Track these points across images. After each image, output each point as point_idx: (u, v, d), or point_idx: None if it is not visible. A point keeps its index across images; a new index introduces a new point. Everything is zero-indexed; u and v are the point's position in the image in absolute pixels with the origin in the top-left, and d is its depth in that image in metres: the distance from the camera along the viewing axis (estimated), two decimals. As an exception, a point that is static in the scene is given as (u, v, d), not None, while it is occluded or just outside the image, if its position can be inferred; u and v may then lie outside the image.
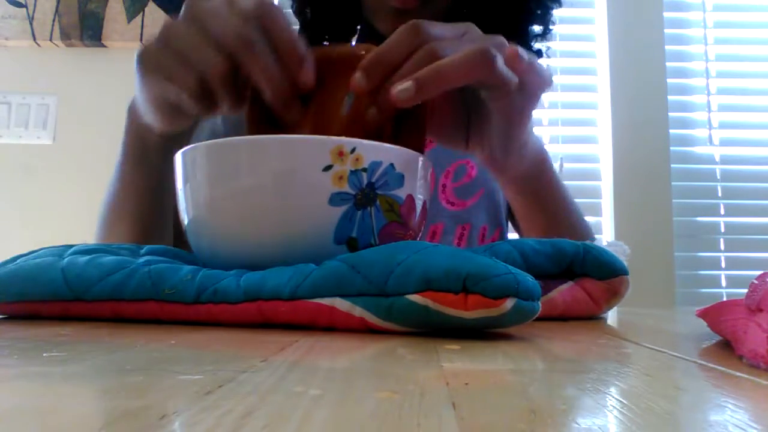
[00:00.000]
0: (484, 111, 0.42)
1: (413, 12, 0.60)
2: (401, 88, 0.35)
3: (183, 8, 0.39)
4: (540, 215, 0.55)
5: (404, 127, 0.40)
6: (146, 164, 0.51)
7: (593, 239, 0.58)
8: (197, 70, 0.38)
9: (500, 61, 0.37)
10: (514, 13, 0.70)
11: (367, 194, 0.33)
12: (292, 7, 0.76)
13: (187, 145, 0.40)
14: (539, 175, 0.51)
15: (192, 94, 0.38)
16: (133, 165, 0.51)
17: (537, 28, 0.73)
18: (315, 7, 0.74)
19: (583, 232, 0.59)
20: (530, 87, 0.40)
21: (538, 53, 0.75)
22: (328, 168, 0.32)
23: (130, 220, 0.53)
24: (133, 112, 0.49)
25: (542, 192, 0.53)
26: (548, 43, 0.76)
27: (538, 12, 0.72)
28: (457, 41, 0.38)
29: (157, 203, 0.52)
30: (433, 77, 0.36)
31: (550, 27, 0.74)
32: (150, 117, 0.45)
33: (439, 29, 0.38)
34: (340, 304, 0.28)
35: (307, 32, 0.75)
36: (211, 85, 0.38)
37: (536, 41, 0.74)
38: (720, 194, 1.42)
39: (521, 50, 0.38)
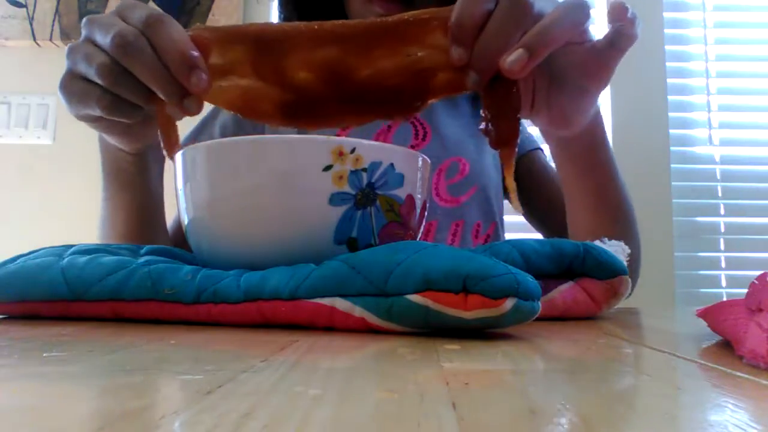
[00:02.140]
0: (557, 70, 0.42)
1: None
2: (513, 58, 0.35)
3: (82, 29, 0.40)
4: (591, 179, 0.54)
5: (497, 98, 0.38)
6: (126, 182, 0.52)
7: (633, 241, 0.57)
8: (95, 81, 0.38)
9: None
10: None
11: (367, 194, 0.33)
12: (280, 15, 0.77)
13: (159, 157, 0.38)
14: (595, 128, 0.50)
15: (103, 104, 0.39)
16: (114, 186, 0.53)
17: None
18: (301, 14, 0.74)
19: (629, 215, 0.58)
20: (622, 42, 0.40)
21: None
22: (328, 168, 0.32)
23: (121, 238, 0.54)
24: (101, 137, 0.50)
25: (596, 148, 0.52)
26: None
27: None
28: None
29: (145, 217, 0.54)
30: (543, 41, 0.35)
31: None
32: (110, 139, 0.46)
33: None
34: (340, 304, 0.28)
35: None
36: (112, 90, 0.38)
37: None
38: (720, 194, 1.42)
39: (624, 3, 0.38)
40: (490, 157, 0.74)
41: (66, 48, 0.40)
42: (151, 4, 1.44)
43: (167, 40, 0.37)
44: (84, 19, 0.40)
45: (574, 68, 0.42)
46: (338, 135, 0.65)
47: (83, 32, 0.39)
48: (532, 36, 0.35)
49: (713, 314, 0.26)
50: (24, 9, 1.44)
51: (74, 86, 0.40)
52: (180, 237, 0.45)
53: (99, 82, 0.38)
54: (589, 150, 0.52)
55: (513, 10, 0.36)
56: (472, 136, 0.73)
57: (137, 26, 0.37)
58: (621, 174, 0.57)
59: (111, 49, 0.37)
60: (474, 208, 0.70)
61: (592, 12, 0.39)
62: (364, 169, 0.33)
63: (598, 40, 0.41)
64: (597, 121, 0.50)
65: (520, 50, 0.35)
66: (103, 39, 0.37)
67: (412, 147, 0.69)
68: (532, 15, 0.36)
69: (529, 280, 0.26)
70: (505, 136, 0.38)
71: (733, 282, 1.39)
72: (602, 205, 0.55)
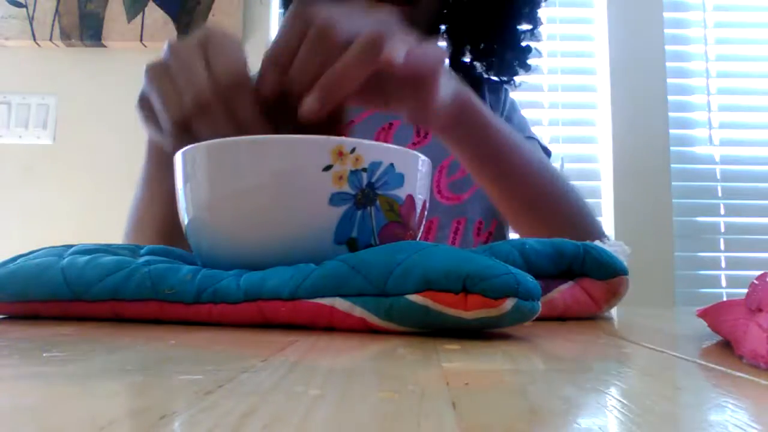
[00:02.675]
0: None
1: (404, 12, 0.61)
2: (306, 107, 0.37)
3: (165, 50, 0.40)
4: (491, 168, 0.53)
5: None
6: (170, 166, 0.51)
7: (603, 236, 0.57)
8: (170, 117, 0.39)
9: (394, 43, 0.37)
10: (501, 11, 0.71)
11: (367, 194, 0.33)
12: (281, 6, 0.77)
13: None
14: (469, 118, 0.49)
15: (169, 134, 0.39)
16: (157, 168, 0.52)
17: (525, 26, 0.74)
18: None
19: (577, 207, 0.58)
20: (426, 72, 0.41)
21: (527, 50, 0.75)
22: (328, 168, 0.32)
23: (156, 223, 0.53)
24: None
25: (484, 137, 0.51)
26: (538, 43, 0.77)
27: (526, 10, 0.73)
28: (345, 16, 0.39)
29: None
30: (334, 85, 0.37)
31: (538, 24, 0.75)
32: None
33: (324, 11, 0.38)
34: (340, 304, 0.28)
35: None
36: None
37: (525, 39, 0.74)
38: (720, 194, 1.42)
39: (398, 49, 0.38)
40: None
41: (145, 67, 0.40)
42: (152, 5, 1.44)
43: (243, 111, 0.38)
44: (170, 42, 0.40)
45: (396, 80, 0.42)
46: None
47: (166, 54, 0.39)
48: (326, 80, 0.37)
49: (713, 314, 0.26)
50: (24, 9, 1.44)
51: (148, 112, 0.40)
52: None
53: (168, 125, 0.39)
54: (475, 139, 0.51)
55: (318, 42, 0.37)
56: None
57: (216, 84, 0.37)
58: (544, 162, 0.58)
59: (187, 108, 0.37)
60: (476, 206, 0.70)
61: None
62: (364, 169, 0.33)
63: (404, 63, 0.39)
64: (465, 110, 0.49)
65: (313, 97, 0.37)
66: (183, 88, 0.38)
67: (414, 145, 0.69)
68: (338, 46, 0.37)
69: (529, 280, 0.26)
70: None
71: (733, 282, 1.39)
72: (513, 191, 0.55)
